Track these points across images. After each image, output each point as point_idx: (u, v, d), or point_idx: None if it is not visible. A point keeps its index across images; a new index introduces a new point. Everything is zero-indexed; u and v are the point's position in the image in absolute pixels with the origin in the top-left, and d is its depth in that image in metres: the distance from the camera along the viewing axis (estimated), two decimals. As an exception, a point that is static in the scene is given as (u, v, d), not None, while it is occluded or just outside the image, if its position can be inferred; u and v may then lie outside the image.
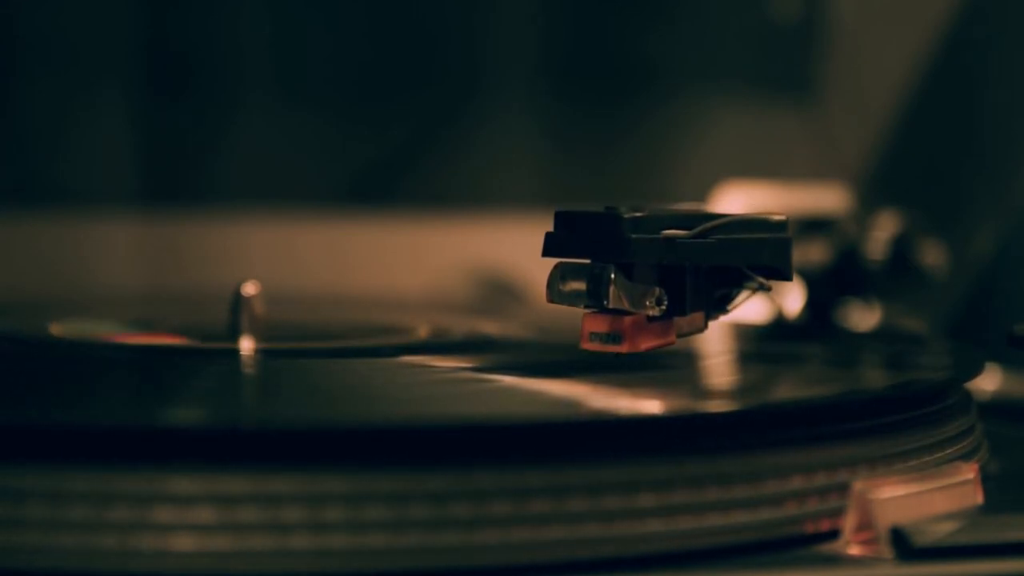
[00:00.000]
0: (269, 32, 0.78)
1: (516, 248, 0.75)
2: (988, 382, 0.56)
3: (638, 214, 0.40)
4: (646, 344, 0.41)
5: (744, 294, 0.43)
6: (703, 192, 0.72)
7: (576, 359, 0.41)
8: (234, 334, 0.48)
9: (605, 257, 0.40)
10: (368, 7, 0.79)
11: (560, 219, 0.41)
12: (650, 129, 0.82)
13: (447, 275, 0.77)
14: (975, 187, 0.75)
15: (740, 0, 0.83)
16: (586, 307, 0.41)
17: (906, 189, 0.78)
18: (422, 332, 0.52)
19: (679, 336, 0.42)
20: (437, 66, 0.80)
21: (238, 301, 0.48)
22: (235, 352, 0.46)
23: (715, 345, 0.46)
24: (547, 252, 0.41)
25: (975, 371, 0.44)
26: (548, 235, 0.41)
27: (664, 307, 0.41)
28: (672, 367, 0.42)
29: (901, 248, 0.63)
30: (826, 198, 0.67)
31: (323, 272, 0.77)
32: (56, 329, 0.51)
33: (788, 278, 0.43)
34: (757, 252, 0.42)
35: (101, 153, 0.76)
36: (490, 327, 0.54)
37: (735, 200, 0.67)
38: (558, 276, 0.41)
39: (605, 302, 0.40)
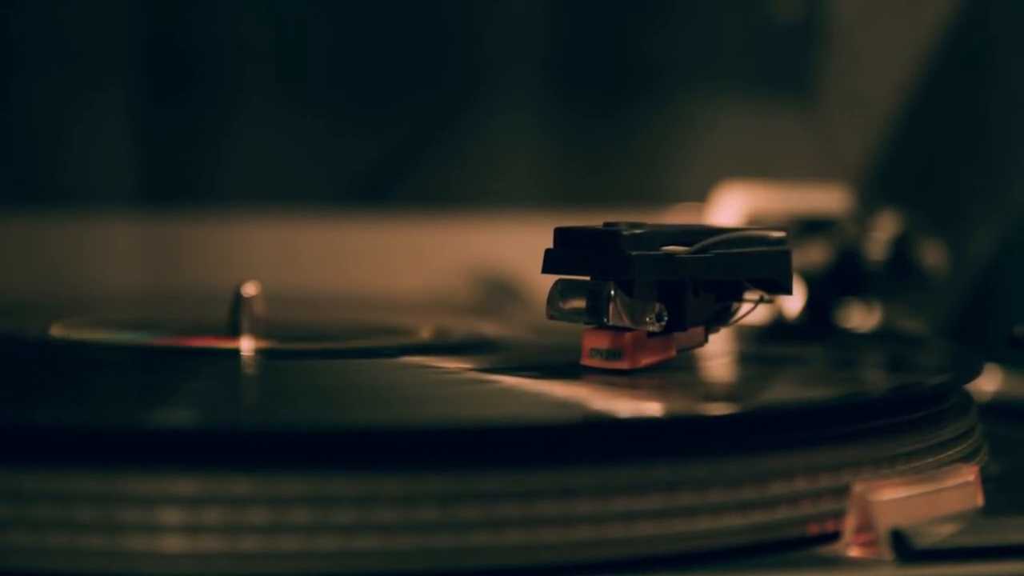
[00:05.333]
0: (269, 32, 0.78)
1: (516, 248, 0.75)
2: (988, 383, 0.56)
3: (638, 231, 0.40)
4: (646, 360, 0.41)
5: (744, 307, 0.43)
6: (703, 192, 0.72)
7: (576, 360, 0.41)
8: (234, 334, 0.48)
9: (605, 274, 0.40)
10: (368, 7, 0.79)
11: (559, 236, 0.41)
12: (650, 129, 0.82)
13: (447, 275, 0.77)
14: (975, 187, 0.75)
15: (740, 0, 0.83)
16: (586, 324, 0.41)
17: (906, 189, 0.78)
18: (422, 333, 0.52)
19: (679, 351, 0.42)
20: (437, 66, 0.80)
21: (238, 301, 0.48)
22: (235, 353, 0.46)
23: (715, 346, 0.46)
24: (547, 269, 0.41)
25: (975, 373, 0.44)
26: (548, 252, 0.41)
27: (664, 323, 0.41)
28: (672, 369, 0.42)
29: (901, 248, 0.63)
30: (826, 198, 0.67)
31: (323, 272, 0.77)
32: (56, 329, 0.51)
33: (788, 291, 0.43)
34: (757, 266, 0.42)
35: (101, 153, 0.76)
36: (490, 327, 0.54)
37: (735, 201, 0.67)
38: (558, 293, 0.41)
39: (605, 319, 0.40)
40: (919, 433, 0.39)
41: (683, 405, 0.38)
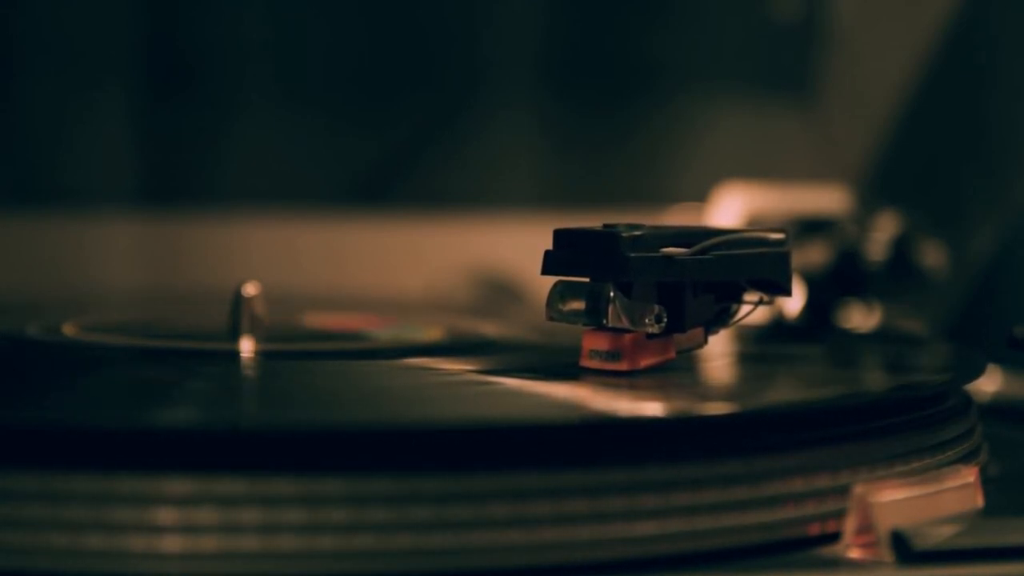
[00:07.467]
0: (269, 32, 0.78)
1: (516, 248, 0.75)
2: (988, 384, 0.56)
3: (637, 232, 0.40)
4: (646, 361, 0.41)
5: (744, 309, 0.43)
6: (703, 192, 0.72)
7: (576, 361, 0.41)
8: (234, 335, 0.48)
9: (604, 276, 0.40)
10: (368, 7, 0.79)
11: (559, 237, 0.41)
12: (650, 129, 0.82)
13: (447, 275, 0.77)
14: (975, 187, 0.75)
15: (740, 0, 0.83)
16: (585, 325, 0.41)
17: (906, 189, 0.78)
18: (422, 333, 0.52)
19: (679, 352, 0.42)
20: (437, 66, 0.80)
21: (238, 301, 0.48)
22: (235, 353, 0.46)
23: (715, 347, 0.46)
24: (546, 270, 0.41)
25: (975, 374, 0.44)
26: (547, 253, 0.41)
27: (663, 324, 0.41)
28: (672, 369, 0.42)
29: (901, 249, 0.63)
30: (826, 199, 0.67)
31: (323, 272, 0.77)
32: (56, 329, 0.51)
33: (788, 293, 0.43)
34: (756, 267, 0.42)
35: (101, 153, 0.76)
36: (490, 328, 0.54)
37: (735, 201, 0.67)
38: (557, 294, 0.41)
39: (604, 320, 0.40)
40: (919, 434, 0.39)
41: (682, 406, 0.38)
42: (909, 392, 0.41)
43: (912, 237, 0.63)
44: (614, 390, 0.39)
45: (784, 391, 0.43)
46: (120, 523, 0.31)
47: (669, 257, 0.40)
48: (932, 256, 0.63)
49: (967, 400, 0.44)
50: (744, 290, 0.43)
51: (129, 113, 0.76)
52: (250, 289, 0.48)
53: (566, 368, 0.41)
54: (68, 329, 0.51)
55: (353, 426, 0.34)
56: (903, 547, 0.34)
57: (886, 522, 0.34)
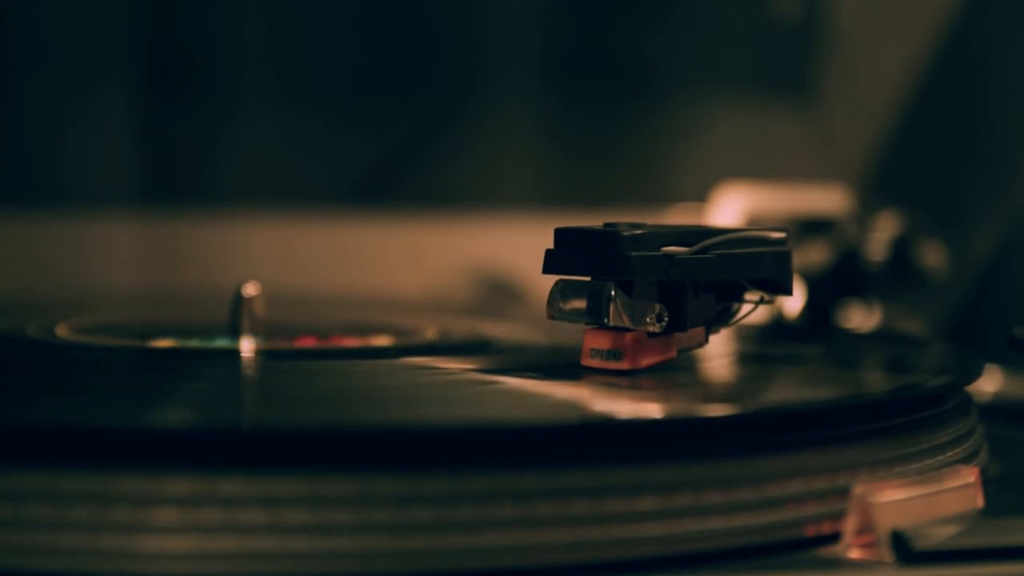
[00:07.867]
0: (269, 32, 0.78)
1: (516, 248, 0.75)
2: (989, 384, 0.56)
3: (638, 231, 0.40)
4: (647, 360, 0.41)
5: (745, 308, 0.43)
6: (703, 192, 0.72)
7: (577, 360, 0.41)
8: (234, 335, 0.48)
9: (605, 275, 0.40)
10: (368, 7, 0.79)
11: (560, 236, 0.41)
12: (650, 129, 0.82)
13: (447, 275, 0.77)
14: (975, 187, 0.75)
15: (740, 0, 0.83)
16: (587, 324, 0.41)
17: (906, 189, 0.78)
18: (422, 333, 0.52)
19: (680, 351, 0.42)
20: (437, 66, 0.80)
21: (238, 301, 0.48)
22: (235, 353, 0.46)
23: (715, 347, 0.46)
24: (547, 270, 0.41)
25: (975, 374, 0.44)
26: (548, 252, 0.41)
27: (664, 323, 0.41)
28: (672, 369, 0.42)
29: (901, 249, 0.63)
30: (826, 199, 0.67)
31: (323, 272, 0.77)
32: (56, 330, 0.51)
33: (789, 292, 0.43)
34: (757, 266, 0.42)
35: (101, 153, 0.76)
36: (490, 328, 0.54)
37: (735, 201, 0.67)
38: (558, 293, 0.41)
39: (605, 319, 0.40)
40: (919, 434, 0.39)
41: (683, 406, 0.38)
42: (909, 393, 0.41)
43: (912, 237, 0.63)
44: (614, 390, 0.39)
45: (784, 391, 0.43)
46: (119, 523, 0.31)
47: (670, 256, 0.40)
48: (932, 256, 0.63)
49: (967, 401, 0.44)
50: (745, 289, 0.43)
51: (129, 113, 0.76)
52: (250, 289, 0.48)
53: (567, 368, 0.41)
54: (67, 329, 0.51)
55: (354, 426, 0.34)
56: (903, 547, 0.34)
57: (886, 522, 0.34)
